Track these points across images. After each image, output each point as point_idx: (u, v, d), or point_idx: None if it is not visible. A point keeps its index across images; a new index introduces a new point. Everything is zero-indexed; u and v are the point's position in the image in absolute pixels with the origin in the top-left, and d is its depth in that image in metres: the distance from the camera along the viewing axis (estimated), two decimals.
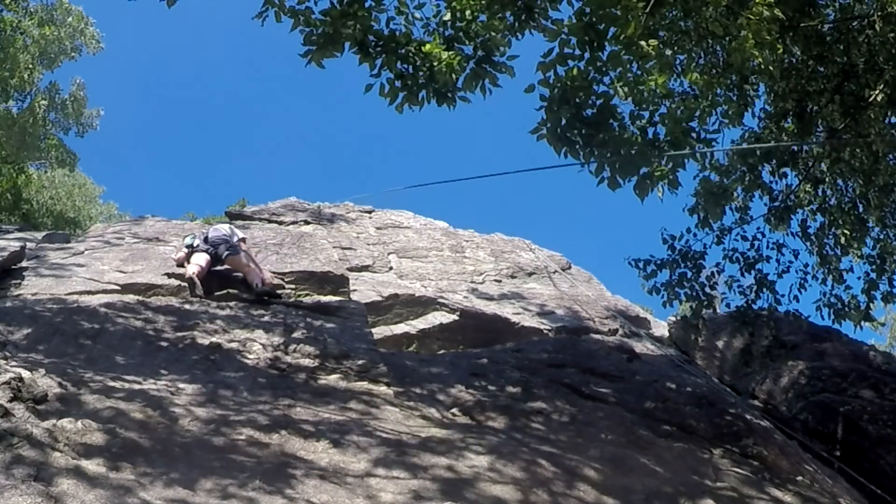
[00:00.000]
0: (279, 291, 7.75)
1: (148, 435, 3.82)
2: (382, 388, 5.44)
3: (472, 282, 10.26)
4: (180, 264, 7.98)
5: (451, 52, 5.63)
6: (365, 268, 9.80)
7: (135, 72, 57.33)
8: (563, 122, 5.08)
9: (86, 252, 8.65)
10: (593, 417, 5.68)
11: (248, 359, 5.61)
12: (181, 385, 4.80)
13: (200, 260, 7.68)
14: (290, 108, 66.44)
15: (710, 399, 6.49)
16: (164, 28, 61.07)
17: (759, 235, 7.84)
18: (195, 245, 7.92)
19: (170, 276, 7.85)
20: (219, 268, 7.88)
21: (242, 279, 7.85)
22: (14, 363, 4.54)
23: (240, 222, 10.67)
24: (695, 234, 7.56)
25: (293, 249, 9.33)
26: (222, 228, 8.37)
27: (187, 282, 7.46)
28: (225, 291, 7.55)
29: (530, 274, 11.09)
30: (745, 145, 7.40)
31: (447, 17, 5.78)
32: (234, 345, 5.84)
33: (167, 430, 3.97)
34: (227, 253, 7.87)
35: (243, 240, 8.25)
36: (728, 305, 8.20)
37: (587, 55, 5.02)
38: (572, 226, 60.54)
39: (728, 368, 9.26)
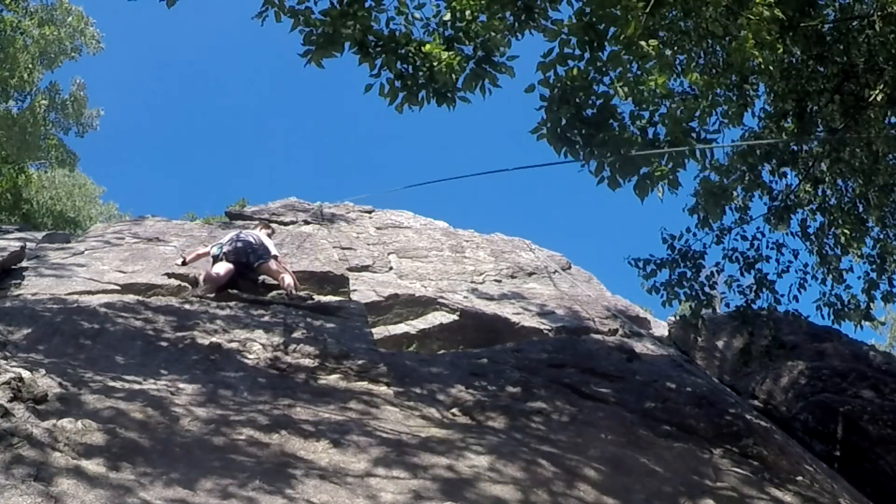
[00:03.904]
0: (309, 302, 7.53)
1: (148, 435, 3.82)
2: (382, 388, 5.43)
3: (472, 282, 10.26)
4: (184, 263, 7.97)
5: (451, 52, 5.63)
6: (365, 268, 9.80)
7: (135, 72, 57.45)
8: (563, 122, 5.09)
9: (86, 252, 8.66)
10: (593, 417, 5.68)
11: (248, 359, 5.61)
12: (181, 385, 4.80)
13: (221, 269, 7.54)
14: (289, 108, 66.59)
15: (710, 399, 6.48)
16: (164, 28, 61.25)
17: (758, 235, 7.86)
18: (221, 254, 7.76)
19: (170, 276, 7.87)
20: (249, 274, 7.84)
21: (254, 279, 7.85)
22: (14, 363, 4.53)
23: (240, 222, 10.67)
24: (695, 234, 7.57)
25: (293, 249, 9.33)
26: (251, 236, 8.16)
27: (193, 280, 7.50)
28: (224, 291, 7.55)
29: (530, 274, 11.09)
30: (744, 145, 7.41)
31: (447, 17, 5.78)
32: (234, 345, 5.83)
33: (167, 430, 3.96)
34: (258, 262, 7.81)
35: (276, 257, 8.05)
36: (728, 305, 8.22)
37: (587, 55, 5.03)
38: (572, 226, 60.66)
39: (728, 368, 9.26)
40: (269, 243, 8.26)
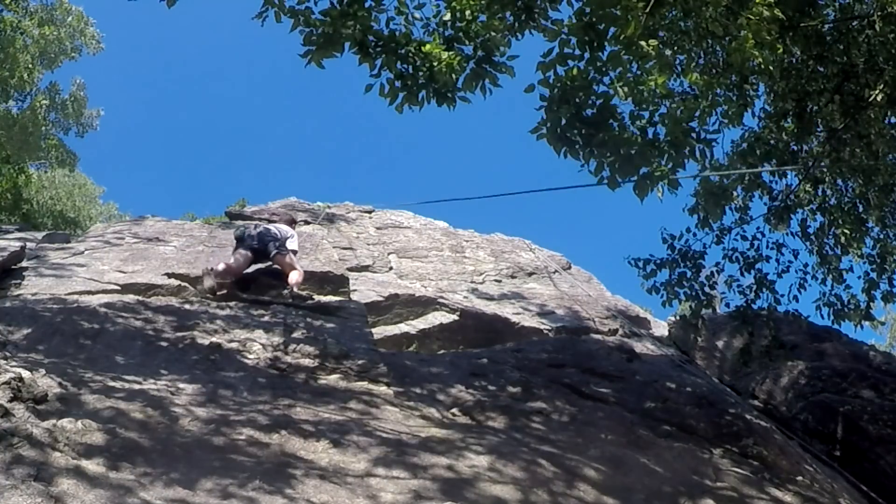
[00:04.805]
0: (309, 302, 7.50)
1: (148, 435, 3.82)
2: (382, 388, 5.44)
3: (472, 282, 10.26)
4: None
5: (451, 52, 5.63)
6: (365, 268, 9.80)
7: (135, 72, 57.55)
8: (563, 121, 5.08)
9: (86, 252, 8.65)
10: (593, 417, 5.68)
11: (248, 359, 5.61)
12: (181, 385, 4.80)
13: (241, 257, 7.56)
14: (290, 109, 66.66)
15: (710, 399, 6.49)
16: (164, 28, 61.33)
17: (758, 235, 7.86)
18: (245, 235, 7.78)
19: (170, 275, 7.86)
20: (262, 265, 7.84)
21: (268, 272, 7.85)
22: (14, 363, 4.53)
23: (240, 222, 10.67)
24: (694, 234, 7.58)
25: None
26: (275, 227, 8.14)
27: (192, 280, 7.49)
28: (240, 280, 7.55)
29: (530, 274, 11.09)
30: (744, 145, 7.41)
31: (447, 17, 5.78)
32: (234, 345, 5.83)
33: (167, 430, 3.96)
34: (275, 252, 7.78)
35: (294, 252, 8.02)
36: (728, 305, 8.22)
37: (587, 55, 5.02)
38: (572, 226, 60.72)
39: (728, 368, 9.26)
40: (293, 240, 8.25)
